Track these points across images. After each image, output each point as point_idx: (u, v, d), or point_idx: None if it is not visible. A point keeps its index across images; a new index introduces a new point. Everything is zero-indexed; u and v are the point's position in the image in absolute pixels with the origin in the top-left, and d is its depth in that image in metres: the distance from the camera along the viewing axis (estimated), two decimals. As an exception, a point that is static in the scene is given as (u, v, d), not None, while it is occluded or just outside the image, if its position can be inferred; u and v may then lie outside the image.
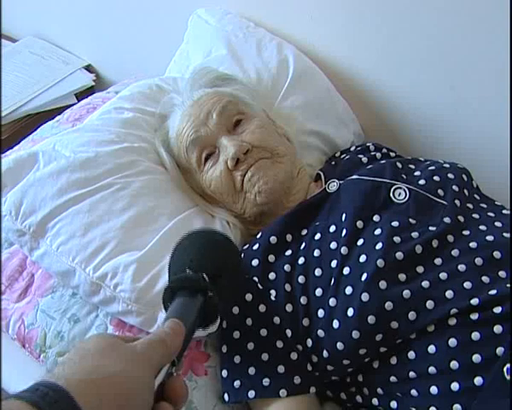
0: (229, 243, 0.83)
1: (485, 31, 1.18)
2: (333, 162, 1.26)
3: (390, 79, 1.37)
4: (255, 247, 1.04)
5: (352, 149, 1.28)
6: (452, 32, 1.22)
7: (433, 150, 1.33)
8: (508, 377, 0.79)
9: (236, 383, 0.95)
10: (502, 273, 0.89)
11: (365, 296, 0.89)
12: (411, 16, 1.25)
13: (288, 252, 1.02)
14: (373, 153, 1.21)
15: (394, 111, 1.40)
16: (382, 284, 0.89)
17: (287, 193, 1.12)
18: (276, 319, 0.98)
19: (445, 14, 1.21)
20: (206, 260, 0.77)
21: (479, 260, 0.90)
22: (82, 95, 1.78)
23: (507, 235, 0.94)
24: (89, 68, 1.93)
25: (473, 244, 0.93)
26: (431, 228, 0.96)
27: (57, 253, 1.00)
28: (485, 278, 0.88)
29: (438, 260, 0.92)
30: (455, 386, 0.83)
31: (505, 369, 0.80)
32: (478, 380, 0.82)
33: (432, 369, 0.85)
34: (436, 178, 1.06)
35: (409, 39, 1.28)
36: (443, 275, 0.89)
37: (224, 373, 0.97)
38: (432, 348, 0.86)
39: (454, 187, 1.04)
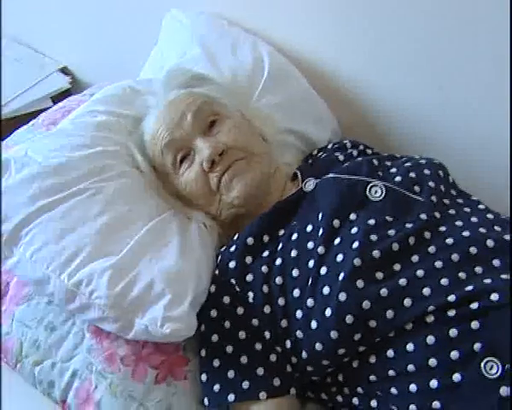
0: None
1: (473, 32, 1.18)
2: (310, 161, 1.25)
3: (377, 80, 1.36)
4: (232, 249, 1.04)
5: (329, 146, 1.27)
6: (439, 34, 1.22)
7: (421, 151, 1.33)
8: (485, 374, 0.80)
9: (216, 387, 0.95)
10: (478, 269, 0.89)
11: (342, 296, 0.88)
12: (398, 18, 1.25)
13: (266, 253, 1.01)
14: (350, 150, 1.21)
15: (381, 113, 1.40)
16: (359, 283, 0.89)
17: (264, 194, 1.11)
18: (255, 321, 0.98)
19: (432, 16, 1.21)
20: None
21: (455, 257, 0.90)
22: (58, 98, 1.76)
23: (483, 230, 0.95)
24: (64, 71, 1.91)
25: (449, 240, 0.93)
26: (407, 225, 0.96)
27: (31, 260, 0.98)
28: (461, 274, 0.88)
29: (414, 258, 0.92)
30: (434, 383, 0.83)
31: (482, 364, 0.81)
32: (456, 377, 0.82)
33: (411, 367, 0.85)
34: (412, 174, 1.06)
35: (396, 41, 1.28)
36: (420, 272, 0.89)
37: (204, 377, 0.97)
38: (410, 346, 0.86)
39: (430, 183, 1.04)
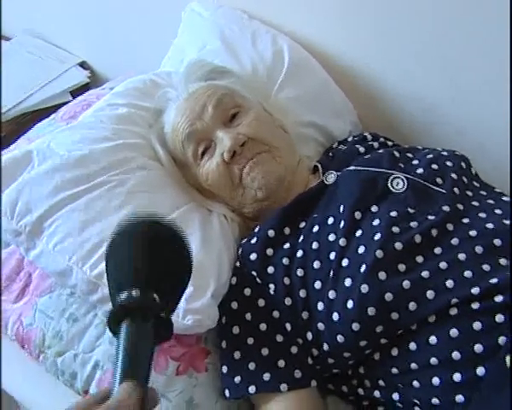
0: (178, 238, 0.66)
1: (485, 20, 1.16)
2: (330, 153, 1.25)
3: (388, 68, 1.35)
4: (253, 241, 1.04)
5: (350, 139, 1.27)
6: (451, 22, 1.21)
7: (431, 140, 1.32)
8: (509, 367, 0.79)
9: (237, 379, 0.95)
10: (502, 261, 0.88)
11: (364, 288, 0.88)
12: (410, 5, 1.24)
13: (287, 245, 1.01)
14: (370, 143, 1.21)
15: (393, 101, 1.38)
16: (382, 275, 0.88)
17: (287, 186, 1.10)
18: (276, 313, 0.97)
19: (443, 3, 1.19)
20: (155, 274, 0.63)
21: (479, 249, 0.89)
22: (77, 92, 1.77)
23: (507, 222, 0.93)
24: (83, 65, 1.92)
25: (472, 232, 0.92)
26: (430, 217, 0.95)
27: (54, 252, 0.99)
28: (485, 267, 0.87)
29: (437, 250, 0.91)
30: (457, 377, 0.83)
31: (507, 358, 0.79)
32: (480, 370, 0.81)
33: (433, 360, 0.85)
34: (434, 166, 1.05)
35: (407, 29, 1.27)
36: (443, 264, 0.89)
37: (225, 369, 0.97)
38: (433, 339, 0.85)
39: (452, 175, 1.03)
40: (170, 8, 1.57)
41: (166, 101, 1.18)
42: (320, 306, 0.94)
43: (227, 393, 0.96)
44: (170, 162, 1.14)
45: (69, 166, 1.06)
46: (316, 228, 1.00)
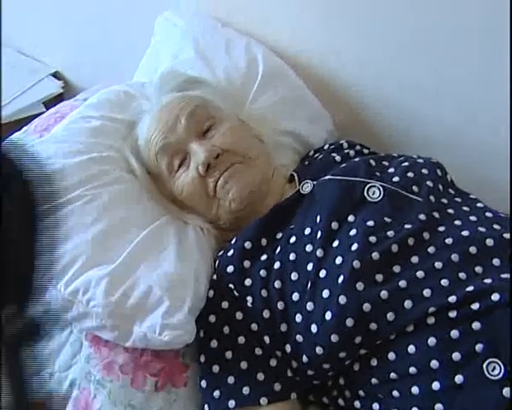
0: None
1: (465, 21, 1.17)
2: (306, 162, 1.25)
3: (362, 74, 1.36)
4: (230, 253, 1.03)
5: (326, 147, 1.26)
6: (431, 24, 1.21)
7: (406, 145, 1.32)
8: (487, 375, 0.79)
9: (216, 394, 0.94)
10: (478, 269, 0.89)
11: (342, 299, 0.88)
12: (385, 12, 1.24)
13: (264, 257, 1.00)
14: (346, 151, 1.21)
15: (370, 107, 1.39)
16: (359, 286, 0.88)
17: (262, 197, 1.10)
18: (254, 326, 0.97)
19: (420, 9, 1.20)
20: None
21: (455, 257, 0.90)
22: (50, 103, 1.74)
23: (482, 229, 0.94)
24: (56, 75, 1.90)
25: (448, 240, 0.92)
26: (406, 226, 0.95)
27: (27, 270, 0.97)
28: (461, 275, 0.88)
29: (414, 259, 0.91)
30: (436, 385, 0.83)
31: (485, 365, 0.80)
32: (458, 378, 0.82)
33: (412, 369, 0.85)
34: (410, 174, 1.05)
35: (384, 36, 1.27)
36: (420, 273, 0.89)
37: (204, 384, 0.96)
38: (411, 348, 0.85)
39: (428, 183, 1.03)
40: (143, 18, 1.55)
41: (140, 113, 1.17)
42: (298, 318, 0.93)
43: (207, 408, 0.95)
44: (144, 175, 1.13)
45: (41, 182, 1.04)
46: (293, 239, 1.00)
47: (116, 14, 1.63)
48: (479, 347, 0.81)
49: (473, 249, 0.90)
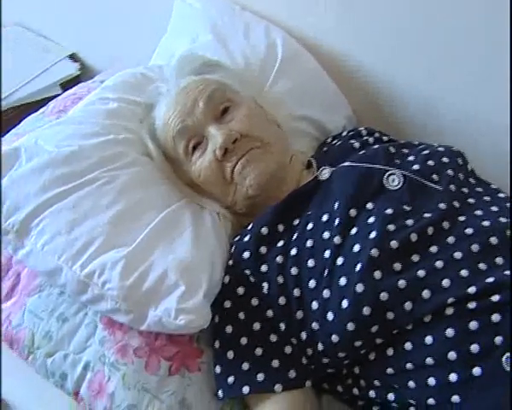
0: None
1: (482, 9, 1.15)
2: (324, 148, 1.23)
3: (382, 61, 1.34)
4: (246, 238, 1.02)
5: (344, 134, 1.25)
6: (447, 11, 1.19)
7: (426, 133, 1.31)
8: (506, 368, 0.78)
9: (230, 379, 0.94)
10: (499, 260, 0.87)
11: (360, 287, 0.87)
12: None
13: (280, 243, 1.00)
14: (365, 138, 1.19)
15: (388, 94, 1.37)
16: (377, 275, 0.87)
17: (279, 183, 1.09)
18: (269, 313, 0.96)
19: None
20: None
21: (475, 247, 0.88)
22: (67, 85, 1.75)
23: (503, 220, 0.92)
24: (73, 57, 1.90)
25: (469, 230, 0.91)
26: (426, 215, 0.94)
27: (42, 251, 0.97)
28: (481, 266, 0.87)
29: (433, 248, 0.90)
30: (453, 377, 0.82)
31: (504, 359, 0.79)
32: (476, 370, 0.81)
33: (429, 360, 0.84)
34: (430, 162, 1.03)
35: (402, 22, 1.25)
36: (439, 263, 0.88)
37: (218, 369, 0.96)
38: (429, 339, 0.85)
39: (449, 171, 1.02)
40: (161, 1, 1.54)
41: (158, 95, 1.16)
42: (314, 305, 0.93)
43: (220, 393, 0.95)
44: (161, 158, 1.12)
45: (58, 163, 1.04)
46: (310, 225, 0.99)
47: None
48: (498, 339, 0.80)
49: (493, 240, 0.89)
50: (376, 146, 1.12)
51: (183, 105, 1.09)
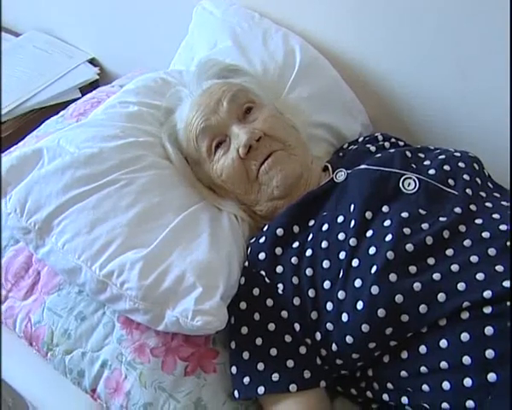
0: None
1: (499, 16, 1.15)
2: (340, 154, 1.24)
3: (398, 68, 1.34)
4: (262, 240, 1.03)
5: (360, 139, 1.26)
6: (461, 21, 1.20)
7: (442, 139, 1.31)
8: None
9: (246, 380, 0.95)
10: None
11: (375, 289, 0.87)
12: (422, 4, 1.23)
13: (296, 244, 1.00)
14: (381, 142, 1.20)
15: (403, 101, 1.38)
16: (392, 277, 0.88)
17: (303, 185, 1.10)
18: (284, 313, 0.97)
19: (454, 2, 1.19)
20: None
21: (492, 251, 0.88)
22: (86, 89, 1.77)
23: None
24: (93, 62, 1.92)
25: (485, 234, 0.91)
26: (441, 218, 0.94)
27: (63, 250, 0.99)
28: (498, 269, 0.86)
29: (449, 251, 0.90)
30: (467, 382, 0.82)
31: None
32: (491, 376, 0.80)
33: (444, 364, 0.84)
34: (446, 167, 1.04)
35: (417, 28, 1.26)
36: (455, 267, 0.88)
37: (234, 370, 0.97)
38: (444, 343, 0.84)
39: (465, 176, 1.02)
40: (180, 6, 1.56)
41: (178, 99, 1.18)
42: (329, 306, 0.93)
43: (236, 394, 0.95)
44: (180, 160, 1.14)
45: (79, 165, 1.05)
46: (325, 226, 0.99)
47: (154, 2, 1.64)
48: None
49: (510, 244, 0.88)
50: (392, 150, 1.13)
51: (206, 105, 1.10)
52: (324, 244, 0.97)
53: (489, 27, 1.17)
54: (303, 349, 0.95)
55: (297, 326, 0.96)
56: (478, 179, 1.04)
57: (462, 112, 1.31)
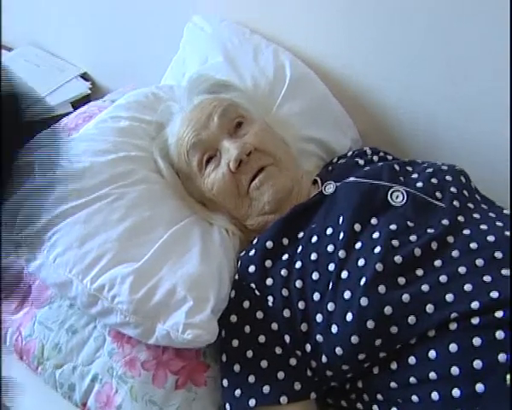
0: None
1: (487, 31, 1.17)
2: (330, 168, 1.25)
3: (387, 83, 1.36)
4: (251, 253, 1.04)
5: (349, 154, 1.27)
6: (448, 33, 1.22)
7: (430, 154, 1.32)
8: (509, 385, 0.78)
9: (237, 392, 0.95)
10: (503, 274, 0.86)
11: (364, 301, 0.88)
12: (405, 19, 1.25)
13: (285, 256, 1.01)
14: (370, 156, 1.21)
15: (392, 115, 1.39)
16: (381, 289, 0.88)
17: (293, 200, 1.11)
18: (274, 326, 0.97)
19: (443, 17, 1.21)
20: None
21: (479, 262, 0.89)
22: (78, 103, 1.77)
23: (508, 234, 0.93)
24: (85, 76, 1.92)
25: (473, 245, 0.91)
26: (429, 230, 0.95)
27: (54, 264, 0.99)
28: (486, 280, 0.86)
29: (438, 262, 0.91)
30: (456, 392, 0.82)
31: (508, 376, 0.78)
32: (479, 387, 0.80)
33: (432, 375, 0.84)
34: (434, 180, 1.05)
35: (405, 43, 1.28)
36: (443, 278, 0.88)
37: (225, 383, 0.97)
38: (432, 354, 0.85)
39: (452, 189, 1.03)
40: (172, 22, 1.57)
41: (169, 114, 1.19)
42: (319, 318, 0.94)
43: (228, 407, 0.95)
44: (172, 175, 1.14)
45: (70, 179, 1.06)
46: (314, 239, 1.00)
47: (146, 17, 1.65)
48: (502, 357, 0.79)
49: (498, 254, 0.89)
50: (381, 163, 1.14)
51: (197, 120, 1.11)
52: (314, 256, 0.98)
53: (479, 43, 1.19)
54: (293, 361, 0.95)
55: (287, 338, 0.96)
56: (465, 192, 1.05)
57: (450, 127, 1.32)
